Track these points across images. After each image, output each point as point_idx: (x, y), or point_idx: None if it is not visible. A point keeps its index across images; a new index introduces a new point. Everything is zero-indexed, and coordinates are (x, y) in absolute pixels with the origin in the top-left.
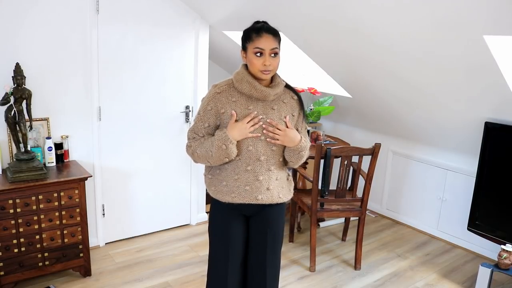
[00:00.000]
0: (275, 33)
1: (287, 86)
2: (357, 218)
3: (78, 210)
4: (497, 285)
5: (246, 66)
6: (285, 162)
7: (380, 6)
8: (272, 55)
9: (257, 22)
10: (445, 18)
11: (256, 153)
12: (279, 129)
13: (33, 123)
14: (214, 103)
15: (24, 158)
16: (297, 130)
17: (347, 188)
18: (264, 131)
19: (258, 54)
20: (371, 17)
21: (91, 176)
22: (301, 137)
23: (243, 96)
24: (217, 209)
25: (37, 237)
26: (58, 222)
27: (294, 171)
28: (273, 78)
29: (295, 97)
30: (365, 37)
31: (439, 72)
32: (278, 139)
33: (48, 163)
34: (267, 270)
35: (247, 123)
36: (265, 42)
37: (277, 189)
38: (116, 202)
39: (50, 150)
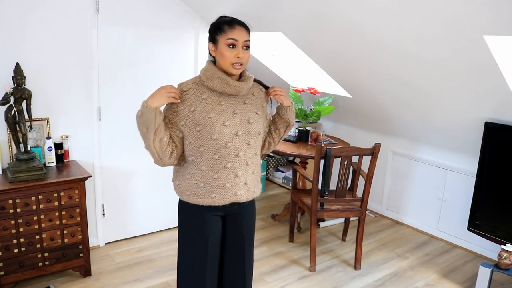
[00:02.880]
0: (246, 26)
1: (254, 79)
2: (357, 218)
3: (78, 210)
4: (497, 285)
5: (213, 62)
6: (267, 147)
7: (380, 7)
8: (245, 47)
9: (224, 17)
10: (445, 19)
11: (235, 150)
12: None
13: (33, 123)
14: (182, 101)
15: (24, 158)
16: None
17: (347, 188)
18: (272, 91)
19: (231, 46)
20: (371, 18)
21: (91, 176)
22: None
23: (214, 93)
24: (192, 214)
25: (37, 237)
26: (58, 222)
27: (294, 171)
28: (242, 73)
29: (263, 90)
30: (365, 37)
31: (439, 72)
32: (283, 97)
33: (48, 163)
34: (246, 267)
35: (170, 87)
36: (238, 34)
37: (253, 183)
38: (116, 202)
39: (50, 150)
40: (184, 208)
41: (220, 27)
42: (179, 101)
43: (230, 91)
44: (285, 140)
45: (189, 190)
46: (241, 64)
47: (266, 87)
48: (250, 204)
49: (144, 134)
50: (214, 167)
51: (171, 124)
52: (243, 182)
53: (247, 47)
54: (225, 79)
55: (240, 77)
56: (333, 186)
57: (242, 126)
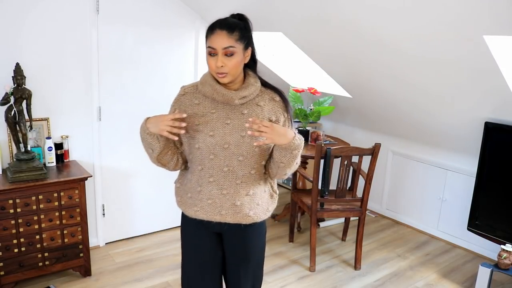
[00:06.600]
0: (231, 28)
1: (269, 87)
2: (357, 218)
3: (78, 210)
4: (497, 285)
5: None
6: (268, 174)
7: (380, 7)
8: (229, 54)
9: (232, 16)
10: (445, 18)
11: (219, 163)
12: (265, 125)
13: (33, 123)
14: (178, 105)
15: (24, 158)
16: None
17: (347, 188)
18: (247, 125)
19: (212, 54)
20: (370, 18)
21: (91, 176)
22: (294, 133)
23: (207, 99)
24: (186, 223)
25: (37, 237)
26: (58, 222)
27: (294, 171)
28: (246, 78)
29: (277, 99)
30: (365, 38)
31: (438, 72)
32: (266, 136)
33: (48, 163)
34: None
35: (169, 118)
36: (215, 40)
37: (247, 205)
38: (116, 202)
39: (50, 150)
40: (181, 214)
41: (206, 33)
42: (176, 138)
43: (219, 98)
44: None
45: (180, 196)
46: (224, 73)
47: (281, 96)
48: (251, 227)
49: (148, 151)
50: (198, 179)
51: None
52: (231, 202)
53: (231, 54)
54: (213, 85)
55: (244, 82)
56: (333, 186)
57: (234, 138)
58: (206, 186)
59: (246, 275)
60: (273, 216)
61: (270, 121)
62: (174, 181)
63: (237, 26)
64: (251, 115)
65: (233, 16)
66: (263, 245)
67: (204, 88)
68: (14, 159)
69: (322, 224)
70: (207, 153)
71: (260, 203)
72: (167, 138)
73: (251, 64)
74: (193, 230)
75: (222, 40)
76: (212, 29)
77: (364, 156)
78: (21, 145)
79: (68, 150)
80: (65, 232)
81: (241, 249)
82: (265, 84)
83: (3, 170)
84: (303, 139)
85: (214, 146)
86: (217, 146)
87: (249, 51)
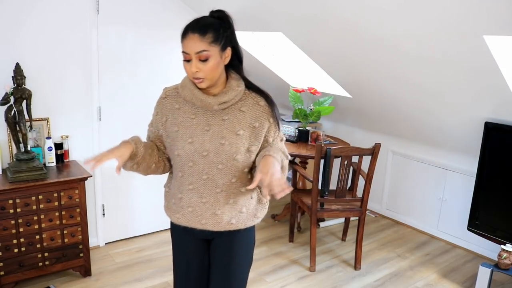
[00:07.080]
0: (203, 31)
1: (254, 89)
2: (357, 218)
3: (78, 210)
4: (497, 285)
5: None
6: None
7: (379, 7)
8: (203, 59)
9: (211, 13)
10: (444, 18)
11: (198, 171)
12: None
13: (33, 123)
14: (160, 108)
15: (24, 158)
16: (266, 141)
17: (347, 188)
18: (252, 186)
19: (186, 60)
20: (371, 18)
21: (91, 176)
22: (279, 159)
23: (188, 104)
24: (174, 227)
25: (37, 237)
26: (58, 222)
27: (294, 171)
28: (227, 81)
29: (262, 103)
30: (365, 37)
31: (438, 72)
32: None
33: (48, 163)
34: None
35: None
36: (188, 45)
37: (228, 214)
38: (116, 202)
39: (50, 150)
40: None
41: (180, 37)
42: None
43: (198, 104)
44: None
45: (167, 200)
46: (201, 78)
47: (267, 99)
48: (237, 233)
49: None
50: (179, 186)
51: (155, 136)
52: (212, 212)
53: (205, 59)
54: (192, 90)
55: (226, 86)
56: (333, 186)
57: (213, 145)
58: (186, 193)
59: (226, 283)
60: (273, 216)
61: (254, 127)
62: (164, 184)
63: (210, 27)
64: (233, 121)
65: (212, 13)
66: (249, 256)
67: (184, 92)
68: (14, 159)
69: (322, 224)
70: (186, 160)
71: (244, 211)
72: (146, 156)
73: (236, 64)
74: (180, 235)
75: (194, 44)
76: (184, 33)
77: (364, 156)
78: (21, 145)
79: (68, 150)
80: (65, 232)
81: (225, 253)
82: (250, 86)
83: (3, 170)
84: (289, 158)
85: (193, 153)
86: (196, 154)
87: (228, 51)
